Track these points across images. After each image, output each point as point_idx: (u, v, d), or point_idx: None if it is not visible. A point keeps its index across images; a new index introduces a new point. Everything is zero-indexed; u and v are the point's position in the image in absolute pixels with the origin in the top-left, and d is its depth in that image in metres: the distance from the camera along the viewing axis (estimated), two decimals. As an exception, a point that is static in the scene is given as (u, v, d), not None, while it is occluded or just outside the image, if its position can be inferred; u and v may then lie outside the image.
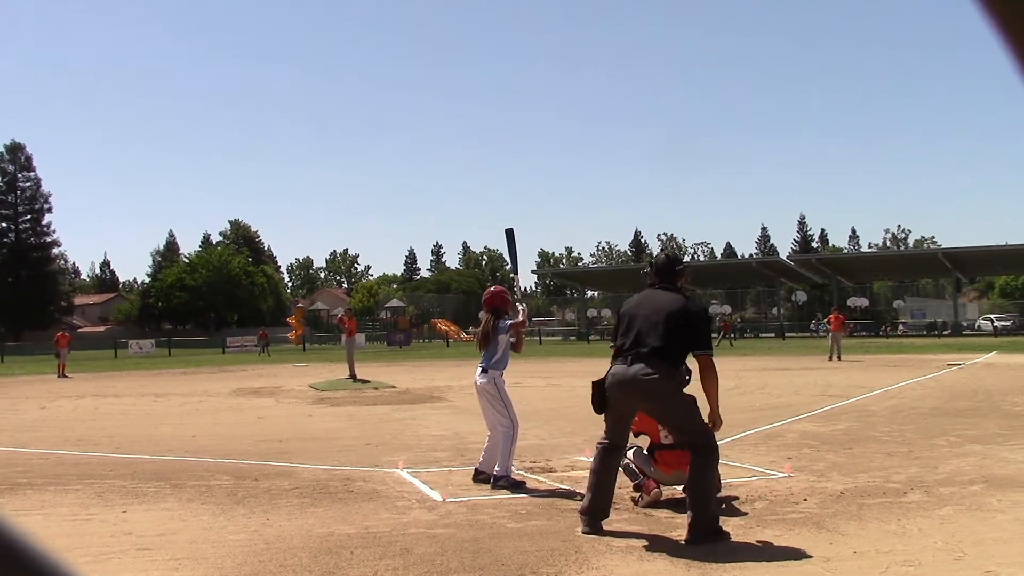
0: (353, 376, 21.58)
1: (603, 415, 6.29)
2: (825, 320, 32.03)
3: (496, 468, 7.78)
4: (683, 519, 6.22)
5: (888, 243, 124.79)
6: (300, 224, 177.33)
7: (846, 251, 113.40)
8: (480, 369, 8.13)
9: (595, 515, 6.04)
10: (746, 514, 6.46)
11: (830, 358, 28.67)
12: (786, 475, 7.99)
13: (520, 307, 8.39)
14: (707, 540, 5.58)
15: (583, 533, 5.93)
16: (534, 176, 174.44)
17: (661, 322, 6.01)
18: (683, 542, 5.63)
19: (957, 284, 72.13)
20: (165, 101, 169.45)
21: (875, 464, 8.58)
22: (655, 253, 5.73)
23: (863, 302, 70.91)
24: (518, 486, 7.64)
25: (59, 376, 30.06)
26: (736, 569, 5.04)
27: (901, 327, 64.41)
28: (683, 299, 6.25)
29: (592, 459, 6.37)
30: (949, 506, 6.58)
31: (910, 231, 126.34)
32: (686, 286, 6.61)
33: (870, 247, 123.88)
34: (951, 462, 8.62)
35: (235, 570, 5.16)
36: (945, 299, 74.47)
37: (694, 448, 5.92)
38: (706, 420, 6.07)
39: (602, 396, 6.21)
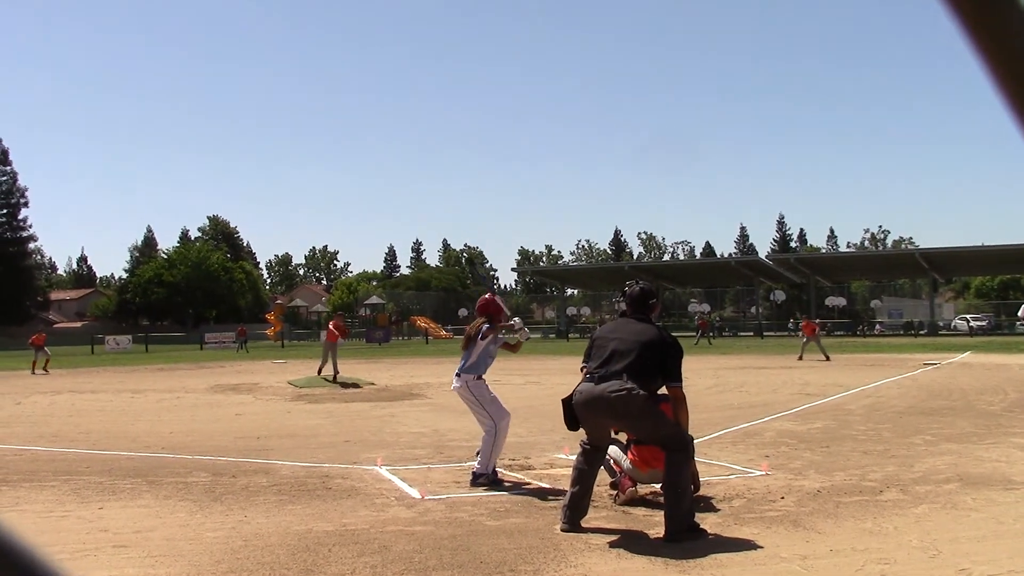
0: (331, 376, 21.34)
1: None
2: (800, 327, 32.75)
3: (476, 466, 7.80)
4: (661, 516, 6.24)
5: (867, 243, 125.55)
6: (279, 220, 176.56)
7: (824, 251, 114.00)
8: (455, 374, 8.13)
9: (574, 512, 6.09)
10: (724, 512, 6.49)
11: (800, 357, 29.21)
12: (763, 473, 8.03)
13: (514, 320, 8.45)
14: (684, 537, 5.62)
15: (562, 531, 5.95)
16: (514, 174, 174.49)
17: (635, 349, 6.11)
18: (661, 540, 5.66)
19: (934, 284, 72.71)
20: (144, 96, 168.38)
21: (852, 462, 8.63)
22: (629, 281, 5.74)
23: (841, 302, 71.36)
24: (497, 484, 7.65)
25: (32, 372, 30.10)
26: (713, 566, 5.06)
27: (878, 327, 64.92)
28: (657, 330, 6.35)
29: (575, 457, 6.44)
30: (924, 504, 6.63)
31: (889, 231, 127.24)
32: (656, 318, 6.67)
33: (848, 247, 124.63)
34: (927, 461, 8.69)
35: (212, 567, 5.14)
36: (922, 299, 75.12)
37: (668, 446, 5.98)
38: None
39: (572, 413, 6.28)
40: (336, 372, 21.40)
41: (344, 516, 6.49)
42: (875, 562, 5.08)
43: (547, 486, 7.57)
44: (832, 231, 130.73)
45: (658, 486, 6.94)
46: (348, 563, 5.19)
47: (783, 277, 73.68)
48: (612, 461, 7.04)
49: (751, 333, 64.60)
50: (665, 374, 6.12)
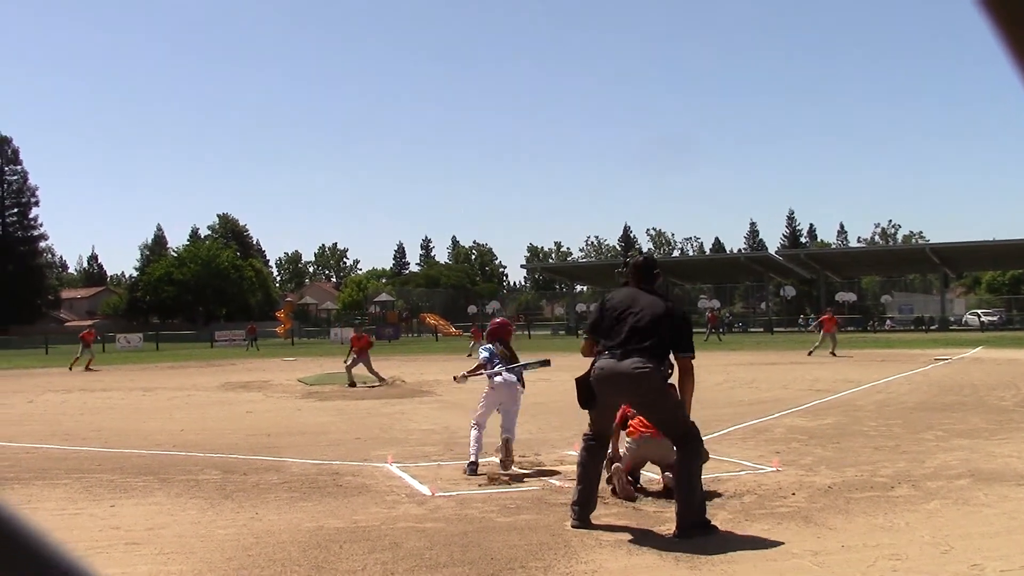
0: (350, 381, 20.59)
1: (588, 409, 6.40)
2: (819, 320, 31.48)
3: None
4: (671, 512, 6.24)
5: (877, 238, 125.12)
6: (289, 218, 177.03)
7: (834, 246, 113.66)
8: (505, 369, 8.52)
9: (583, 508, 6.12)
10: (734, 508, 6.48)
11: (810, 352, 28.77)
12: (774, 469, 8.01)
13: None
14: (695, 533, 5.62)
15: (572, 527, 5.96)
16: (523, 171, 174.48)
17: (651, 323, 6.12)
18: (672, 536, 5.67)
19: (945, 279, 72.42)
20: (154, 96, 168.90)
21: (863, 458, 8.61)
22: (636, 251, 5.85)
23: (851, 297, 71.15)
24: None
25: (85, 369, 30.04)
26: (724, 563, 5.05)
27: (889, 322, 64.76)
28: (669, 303, 6.40)
29: (579, 453, 6.49)
30: (936, 500, 6.61)
31: (899, 226, 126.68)
32: (661, 286, 6.71)
33: (859, 242, 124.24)
34: (938, 456, 8.66)
35: (224, 564, 5.15)
36: (932, 294, 74.75)
37: (679, 441, 6.02)
38: None
39: (588, 391, 6.35)
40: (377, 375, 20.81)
41: (355, 513, 6.50)
42: (887, 558, 5.07)
43: (557, 483, 7.57)
44: (842, 226, 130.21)
45: (658, 477, 6.98)
46: (359, 560, 5.20)
47: (793, 273, 73.50)
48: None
49: (761, 329, 64.50)
50: (676, 346, 6.15)
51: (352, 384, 19.68)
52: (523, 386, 8.83)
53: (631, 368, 6.00)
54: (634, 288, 6.48)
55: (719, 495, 6.91)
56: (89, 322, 69.47)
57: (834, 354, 28.02)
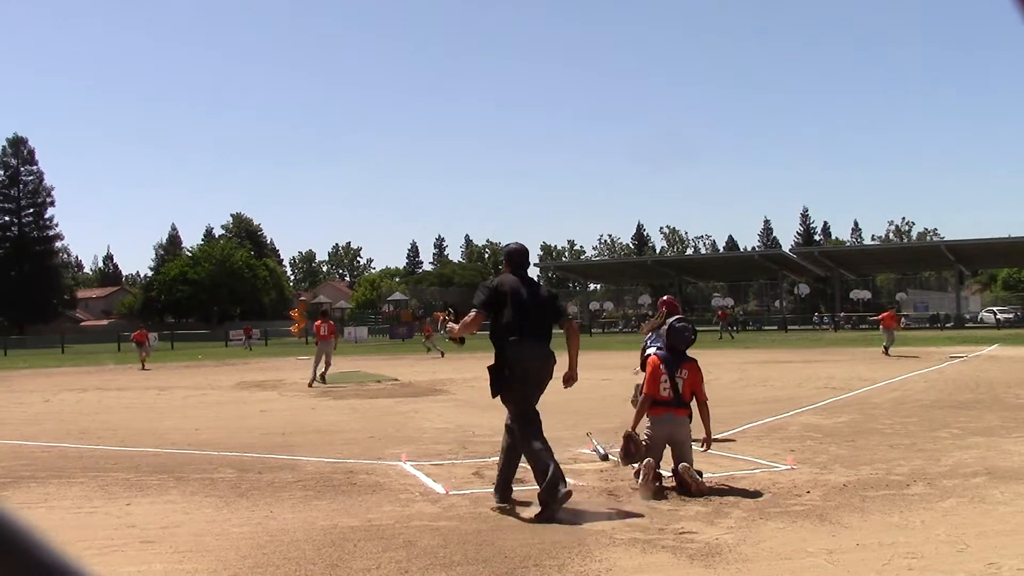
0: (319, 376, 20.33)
1: (520, 391, 6.94)
2: (879, 317, 29.42)
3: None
4: (687, 510, 6.25)
5: (891, 236, 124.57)
6: (302, 217, 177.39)
7: (849, 244, 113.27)
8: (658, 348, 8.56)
9: (506, 488, 6.83)
10: (749, 506, 6.46)
11: (886, 351, 26.76)
12: (789, 467, 7.99)
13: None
14: (558, 504, 6.23)
15: (497, 505, 6.63)
16: (536, 169, 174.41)
17: (546, 310, 7.14)
18: (536, 518, 6.21)
19: (960, 277, 72.08)
20: (167, 95, 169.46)
21: (878, 456, 8.58)
22: (508, 245, 6.15)
23: (865, 295, 70.93)
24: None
25: (142, 367, 30.17)
26: (739, 561, 5.04)
27: (903, 320, 64.39)
28: (549, 289, 7.93)
29: (504, 438, 7.07)
30: (952, 498, 6.58)
31: (913, 223, 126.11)
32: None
33: (873, 240, 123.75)
34: (954, 454, 8.62)
35: (239, 563, 5.17)
36: (948, 292, 74.39)
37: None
38: (571, 373, 7.12)
39: (507, 370, 6.85)
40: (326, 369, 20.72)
41: (369, 511, 6.51)
42: (902, 556, 5.05)
43: (571, 481, 7.54)
44: (856, 224, 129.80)
45: (669, 472, 6.98)
46: (373, 558, 5.21)
47: (807, 270, 73.27)
48: (631, 444, 7.15)
49: (775, 327, 64.28)
50: (559, 315, 7.27)
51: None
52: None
53: (549, 354, 6.94)
54: (517, 276, 7.23)
55: (734, 493, 6.89)
56: (104, 318, 69.65)
57: (887, 352, 26.63)
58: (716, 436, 9.75)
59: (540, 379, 6.96)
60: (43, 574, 0.56)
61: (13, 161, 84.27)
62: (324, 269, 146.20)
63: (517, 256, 7.46)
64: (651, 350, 8.64)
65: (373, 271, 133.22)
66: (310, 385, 19.70)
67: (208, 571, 5.03)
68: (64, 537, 5.81)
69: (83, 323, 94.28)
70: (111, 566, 5.14)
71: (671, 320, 7.86)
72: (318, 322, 22.05)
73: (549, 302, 7.29)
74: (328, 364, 20.73)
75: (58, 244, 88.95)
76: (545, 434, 6.71)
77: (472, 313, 7.04)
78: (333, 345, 21.35)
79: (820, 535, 5.57)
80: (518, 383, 6.91)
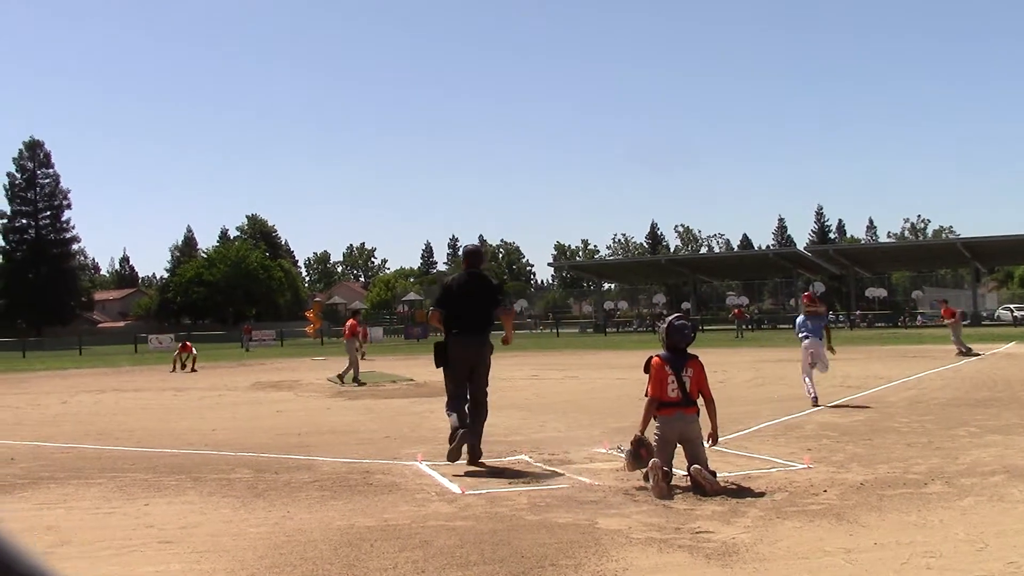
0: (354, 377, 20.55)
1: (454, 372, 8.68)
2: (942, 313, 28.06)
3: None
4: (703, 509, 6.23)
5: (907, 233, 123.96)
6: (317, 218, 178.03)
7: (864, 242, 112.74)
8: (812, 330, 13.63)
9: (458, 448, 8.37)
10: (765, 505, 6.43)
11: (959, 351, 25.01)
12: (806, 466, 7.95)
13: None
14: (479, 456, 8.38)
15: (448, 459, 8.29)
16: (550, 169, 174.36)
17: (488, 303, 8.80)
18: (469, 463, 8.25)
19: (976, 274, 71.64)
20: (181, 98, 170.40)
21: (895, 455, 8.54)
22: (466, 246, 7.74)
23: (881, 293, 70.56)
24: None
25: (183, 370, 29.10)
26: (756, 560, 5.02)
27: (920, 318, 64.03)
28: (493, 282, 9.22)
29: (454, 411, 8.65)
30: (970, 497, 6.54)
31: (929, 221, 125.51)
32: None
33: (888, 237, 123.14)
34: (972, 452, 8.57)
35: (256, 563, 5.19)
36: (964, 289, 73.98)
37: (482, 401, 8.75)
38: (504, 337, 9.12)
39: (444, 355, 8.67)
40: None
41: (385, 511, 6.52)
42: (921, 555, 5.02)
43: (587, 480, 7.55)
44: (871, 221, 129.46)
45: (685, 472, 6.97)
46: (390, 558, 5.22)
47: (822, 269, 72.95)
48: (639, 450, 7.15)
49: (790, 325, 63.93)
50: (497, 306, 8.96)
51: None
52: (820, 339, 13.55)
53: (482, 341, 8.69)
54: (470, 272, 8.91)
55: (750, 492, 6.87)
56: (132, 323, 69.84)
57: (964, 351, 25.07)
58: (731, 435, 9.76)
59: (473, 363, 8.68)
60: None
61: (30, 164, 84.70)
62: (339, 270, 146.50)
63: (470, 256, 9.11)
64: (809, 340, 13.48)
65: (388, 271, 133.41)
66: (355, 382, 20.06)
67: (226, 571, 5.05)
68: (83, 537, 5.85)
69: (100, 325, 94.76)
70: (130, 566, 5.17)
71: (670, 318, 7.84)
72: (352, 322, 22.35)
73: (491, 296, 8.91)
74: (349, 365, 20.87)
75: (75, 246, 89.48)
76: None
77: (431, 311, 9.03)
78: (355, 345, 21.45)
79: (838, 534, 5.55)
80: (454, 364, 8.68)
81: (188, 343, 31.80)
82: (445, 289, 8.97)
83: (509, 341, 9.20)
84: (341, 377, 20.54)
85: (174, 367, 29.68)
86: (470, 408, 8.70)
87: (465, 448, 8.37)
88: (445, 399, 8.89)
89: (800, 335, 13.76)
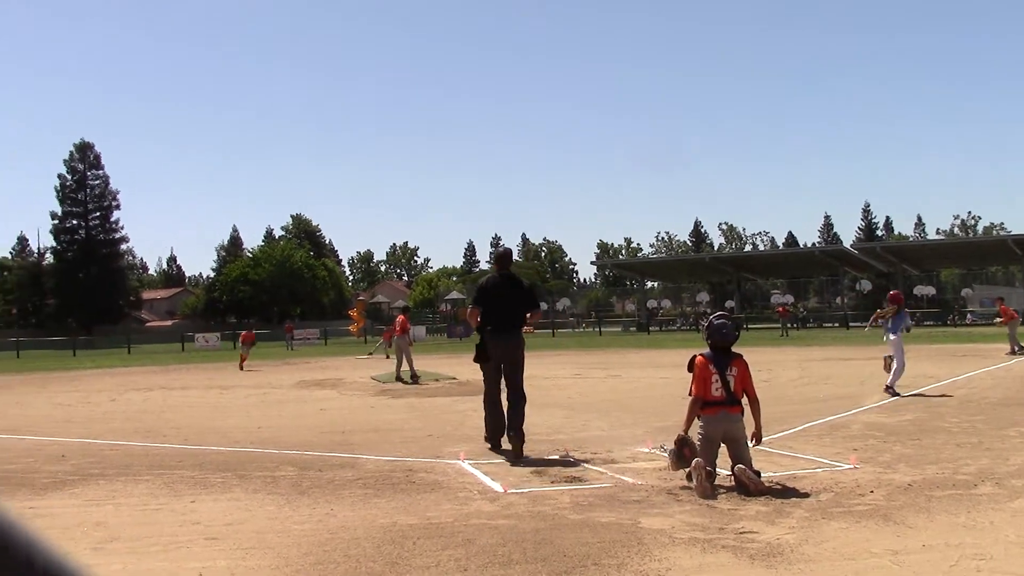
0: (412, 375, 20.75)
1: (489, 367, 9.52)
2: (1000, 310, 27.24)
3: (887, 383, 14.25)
4: (746, 509, 6.18)
5: (956, 230, 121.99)
6: (361, 218, 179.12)
7: (912, 239, 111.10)
8: (894, 331, 15.00)
9: (495, 436, 9.42)
10: (811, 506, 6.36)
11: (1012, 350, 24.74)
12: (852, 467, 7.86)
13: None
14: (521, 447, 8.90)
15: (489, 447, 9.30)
16: (592, 167, 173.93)
17: (518, 302, 9.59)
18: (513, 458, 8.73)
19: (1028, 271, 70.28)
20: (228, 99, 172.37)
21: (944, 455, 8.40)
22: (497, 249, 9.32)
23: (930, 291, 69.45)
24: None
25: (240, 369, 28.85)
26: (801, 561, 4.97)
27: (969, 316, 62.96)
28: (524, 283, 10.01)
29: (488, 411, 9.56)
30: (1021, 498, 6.42)
31: (979, 217, 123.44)
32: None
33: (937, 234, 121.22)
34: (1023, 454, 8.41)
35: (300, 559, 5.23)
36: (1016, 287, 72.58)
37: (518, 391, 9.38)
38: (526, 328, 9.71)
39: (484, 352, 9.49)
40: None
41: (428, 509, 6.55)
42: (970, 557, 4.94)
43: (630, 479, 7.52)
44: (920, 218, 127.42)
45: (729, 472, 6.91)
46: (433, 556, 5.24)
47: (869, 266, 72.00)
48: (683, 449, 7.10)
49: (836, 324, 63.28)
50: (530, 306, 9.74)
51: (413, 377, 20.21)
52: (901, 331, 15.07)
53: (514, 339, 9.48)
54: (501, 274, 9.80)
55: (795, 492, 6.80)
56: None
57: (1016, 350, 24.67)
58: (776, 434, 9.66)
59: (506, 359, 9.49)
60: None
61: (80, 166, 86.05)
62: (382, 269, 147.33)
63: (501, 259, 10.17)
64: (890, 335, 14.98)
65: (430, 270, 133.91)
66: (413, 380, 20.21)
67: (270, 567, 5.09)
68: (131, 533, 5.94)
69: (148, 324, 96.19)
70: (176, 562, 5.24)
71: (711, 317, 7.79)
72: (402, 318, 22.46)
73: (521, 296, 9.70)
74: (400, 362, 21.05)
75: (124, 247, 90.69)
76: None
77: (469, 309, 9.86)
78: (407, 342, 21.49)
79: (885, 535, 5.47)
80: (492, 363, 9.50)
81: (251, 332, 31.69)
82: (480, 289, 9.84)
83: (528, 331, 9.87)
84: (403, 376, 20.60)
85: (241, 364, 29.42)
86: (508, 398, 9.42)
87: (506, 439, 9.24)
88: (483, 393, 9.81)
89: (887, 329, 15.40)
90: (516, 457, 8.75)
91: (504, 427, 9.28)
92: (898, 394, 13.87)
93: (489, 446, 9.43)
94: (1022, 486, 6.85)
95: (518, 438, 8.93)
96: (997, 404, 12.67)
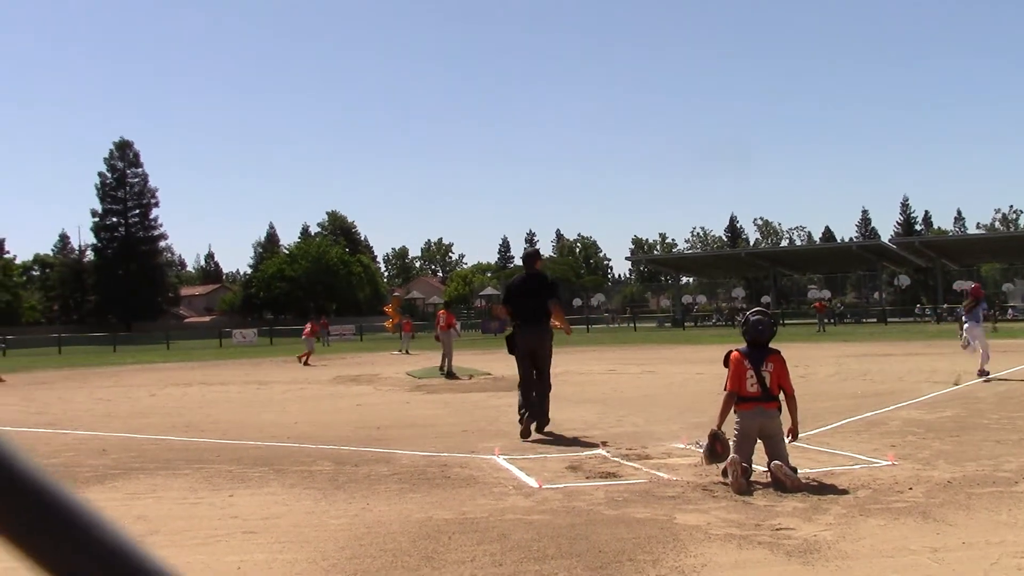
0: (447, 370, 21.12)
1: (520, 358, 10.51)
2: None
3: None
4: (783, 506, 6.15)
5: (997, 224, 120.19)
6: (395, 214, 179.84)
7: (951, 233, 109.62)
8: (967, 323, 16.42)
9: (528, 422, 10.11)
10: (848, 502, 6.31)
11: None
12: (890, 463, 7.78)
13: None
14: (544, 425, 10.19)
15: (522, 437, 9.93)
16: (628, 162, 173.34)
17: (544, 298, 10.48)
18: (535, 432, 9.99)
19: (1071, 266, 69.12)
20: (265, 97, 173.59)
21: (984, 452, 8.30)
22: (525, 248, 10.99)
23: (969, 286, 68.50)
24: None
25: (302, 363, 28.56)
26: (838, 558, 4.94)
27: (1011, 311, 62.04)
28: (546, 277, 10.93)
29: (521, 392, 10.41)
30: (1064, 496, 6.32)
31: (1021, 211, 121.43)
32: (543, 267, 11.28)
33: (978, 228, 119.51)
34: (1066, 451, 8.29)
35: (337, 553, 5.28)
36: (1058, 282, 71.41)
37: (545, 379, 10.43)
38: (557, 323, 10.71)
39: (513, 343, 10.52)
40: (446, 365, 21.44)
41: (463, 504, 6.57)
42: (1011, 555, 4.88)
43: (665, 475, 7.50)
44: (959, 212, 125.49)
45: (764, 468, 6.86)
46: (468, 551, 5.26)
47: (907, 261, 71.12)
48: (716, 445, 7.09)
49: (874, 319, 62.64)
50: (552, 299, 10.56)
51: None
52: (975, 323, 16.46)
53: (543, 331, 10.48)
54: (527, 272, 10.89)
55: (832, 489, 6.74)
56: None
57: None
58: (813, 431, 9.59)
59: (534, 351, 10.43)
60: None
61: (120, 164, 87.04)
62: (417, 265, 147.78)
63: (528, 259, 11.17)
64: (967, 325, 16.49)
65: (465, 267, 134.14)
66: (448, 375, 20.60)
67: (307, 561, 5.14)
68: (171, 527, 6.02)
69: (186, 320, 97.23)
70: (215, 555, 5.30)
71: (748, 314, 7.77)
72: (441, 311, 22.94)
73: (546, 292, 10.57)
74: (445, 356, 21.50)
75: (162, 244, 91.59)
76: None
77: (500, 306, 11.34)
78: (452, 336, 22.21)
79: (924, 533, 5.42)
80: (520, 353, 10.48)
81: (315, 324, 31.35)
82: (507, 288, 11.25)
83: (565, 330, 11.38)
84: (446, 371, 21.00)
85: (307, 359, 28.95)
86: (535, 386, 10.42)
87: (534, 426, 10.19)
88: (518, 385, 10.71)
89: (966, 320, 16.88)
90: (538, 430, 10.15)
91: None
92: (988, 372, 15.85)
93: (521, 429, 10.20)
94: (1065, 484, 6.75)
95: (543, 417, 10.27)
96: (1039, 400, 12.47)
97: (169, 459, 9.19)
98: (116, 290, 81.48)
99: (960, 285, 67.02)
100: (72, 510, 0.55)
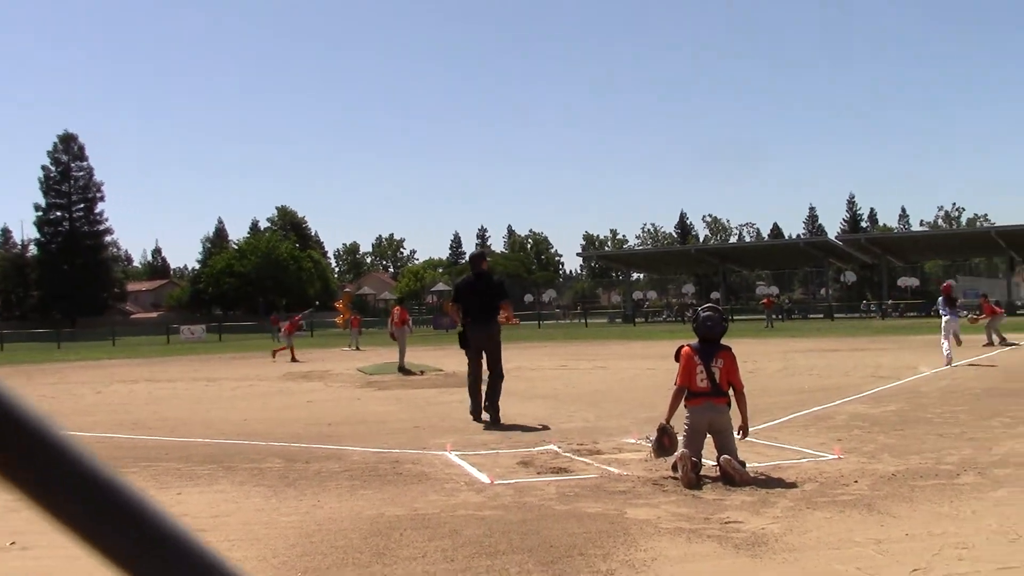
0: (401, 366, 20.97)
1: (470, 352, 11.25)
2: (982, 307, 27.20)
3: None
4: (731, 499, 6.23)
5: (940, 222, 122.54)
6: (346, 210, 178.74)
7: (896, 230, 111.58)
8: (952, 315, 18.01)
9: (478, 411, 10.97)
10: (795, 495, 6.41)
11: (990, 342, 25.04)
12: (836, 457, 7.91)
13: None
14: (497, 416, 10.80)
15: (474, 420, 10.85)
16: (579, 159, 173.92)
17: (491, 296, 11.29)
18: (490, 424, 10.59)
19: (1011, 263, 70.69)
20: (212, 89, 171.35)
21: (927, 446, 8.47)
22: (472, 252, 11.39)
23: (914, 282, 69.85)
24: None
25: (291, 360, 27.57)
26: (786, 550, 5.01)
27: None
28: (496, 278, 11.97)
29: (471, 397, 11.10)
30: (1004, 488, 6.48)
31: (963, 209, 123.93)
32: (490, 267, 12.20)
33: (922, 226, 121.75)
34: (1006, 443, 8.49)
35: (287, 551, 5.24)
36: (999, 278, 73.01)
37: (496, 371, 11.11)
38: (504, 317, 11.49)
39: (465, 339, 11.28)
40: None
41: (415, 501, 6.56)
42: (952, 547, 4.99)
43: (615, 470, 7.55)
44: (904, 210, 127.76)
45: (714, 463, 6.95)
46: (419, 547, 5.25)
47: (853, 258, 72.29)
48: (663, 439, 7.18)
49: (821, 315, 63.56)
50: (501, 299, 11.41)
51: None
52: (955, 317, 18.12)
53: (491, 329, 11.19)
54: (476, 273, 11.49)
55: (780, 483, 6.84)
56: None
57: (1002, 342, 25.00)
58: (761, 425, 9.71)
59: (483, 344, 11.17)
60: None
61: (64, 157, 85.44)
62: (368, 261, 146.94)
63: (475, 260, 11.91)
64: (946, 319, 18.47)
65: (416, 262, 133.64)
66: (400, 370, 20.46)
67: (258, 559, 5.10)
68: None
69: (133, 316, 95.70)
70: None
71: (699, 310, 7.86)
72: (395, 307, 22.74)
73: (493, 291, 11.39)
74: (401, 353, 21.30)
75: (108, 238, 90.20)
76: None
77: (449, 304, 12.07)
78: (406, 333, 22.12)
79: (868, 525, 5.52)
80: (470, 349, 11.24)
81: (293, 321, 30.82)
82: (457, 288, 12.07)
83: (510, 320, 12.01)
84: (398, 366, 20.80)
85: (292, 355, 28.39)
86: (488, 378, 11.13)
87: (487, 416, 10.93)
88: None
89: (942, 312, 18.95)
90: (492, 423, 10.69)
91: (482, 402, 11.07)
92: (951, 361, 17.60)
93: (472, 418, 11.02)
94: (1005, 476, 6.91)
95: (494, 409, 10.89)
96: (980, 394, 12.76)
97: (116, 457, 9.04)
98: (60, 286, 79.97)
99: (904, 281, 68.33)
100: (136, 505, 0.55)
